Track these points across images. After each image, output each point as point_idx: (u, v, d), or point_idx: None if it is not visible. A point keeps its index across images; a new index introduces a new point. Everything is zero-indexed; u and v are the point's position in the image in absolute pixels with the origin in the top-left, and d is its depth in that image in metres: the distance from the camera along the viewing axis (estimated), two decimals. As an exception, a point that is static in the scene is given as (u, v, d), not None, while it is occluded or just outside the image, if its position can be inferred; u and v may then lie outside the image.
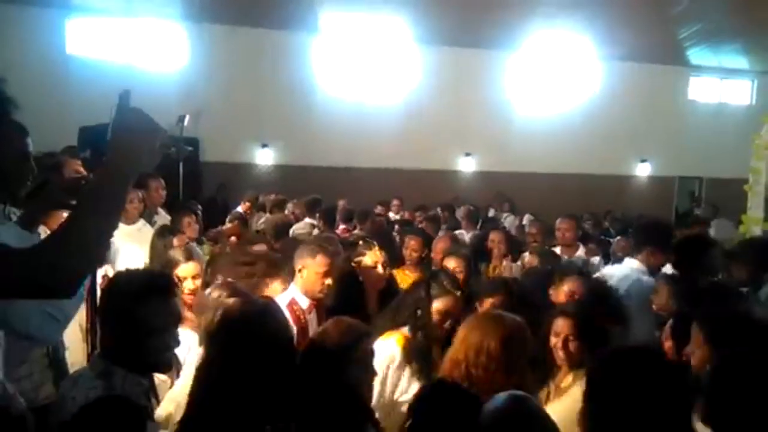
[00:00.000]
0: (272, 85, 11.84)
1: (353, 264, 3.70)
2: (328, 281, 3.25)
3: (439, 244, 4.92)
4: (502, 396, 1.81)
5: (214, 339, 1.93)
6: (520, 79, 13.93)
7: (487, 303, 3.08)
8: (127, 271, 1.99)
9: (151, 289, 1.89)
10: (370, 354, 2.18)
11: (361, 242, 3.99)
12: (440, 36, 12.48)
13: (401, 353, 2.68)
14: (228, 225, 6.64)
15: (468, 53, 12.96)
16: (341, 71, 12.75)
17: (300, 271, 3.26)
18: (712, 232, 10.05)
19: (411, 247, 4.67)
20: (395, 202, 9.85)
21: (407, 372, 2.70)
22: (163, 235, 4.11)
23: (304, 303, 3.23)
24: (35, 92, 9.99)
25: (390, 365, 2.66)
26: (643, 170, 15.26)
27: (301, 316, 3.18)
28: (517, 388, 1.93)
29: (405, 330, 2.77)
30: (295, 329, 3.02)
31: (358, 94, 12.71)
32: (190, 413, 1.84)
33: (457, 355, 2.30)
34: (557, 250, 5.27)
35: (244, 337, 1.87)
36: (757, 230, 6.93)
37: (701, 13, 11.13)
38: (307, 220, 6.94)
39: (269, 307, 2.06)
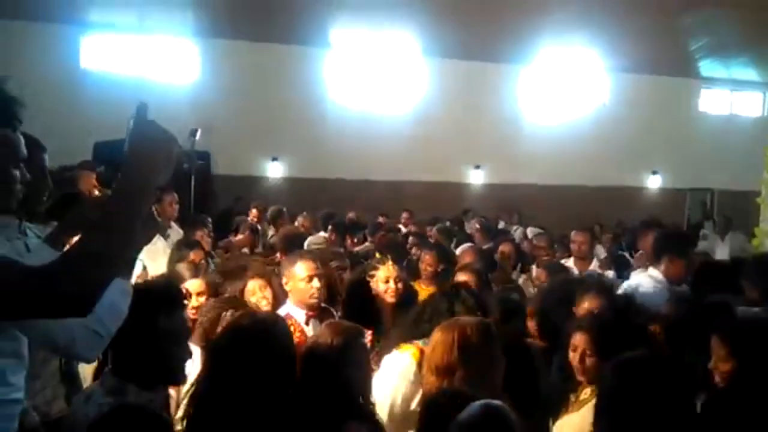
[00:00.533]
0: (283, 99, 11.92)
1: (368, 278, 3.69)
2: (316, 284, 3.24)
3: (465, 257, 4.90)
4: (476, 404, 1.80)
5: (218, 352, 1.94)
6: (529, 92, 13.95)
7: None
8: (145, 282, 2.01)
9: (173, 300, 1.93)
10: (365, 352, 2.18)
11: (376, 256, 4.00)
12: (449, 50, 12.54)
13: (416, 367, 2.62)
14: (239, 236, 6.67)
15: (477, 67, 13.00)
16: (351, 86, 12.83)
17: (286, 283, 3.28)
18: (725, 245, 10.00)
19: (426, 261, 4.66)
20: (405, 214, 9.85)
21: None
22: (180, 249, 4.15)
23: (300, 316, 3.24)
24: (51, 107, 10.11)
25: (404, 378, 2.61)
26: (653, 182, 15.18)
27: (297, 330, 3.16)
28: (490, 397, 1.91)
29: (420, 343, 2.71)
30: None
31: (368, 108, 12.78)
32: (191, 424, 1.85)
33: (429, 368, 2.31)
34: (570, 262, 5.27)
35: (249, 351, 1.88)
36: (769, 243, 6.88)
37: (711, 25, 11.12)
38: (322, 233, 6.95)
39: (275, 322, 2.08)
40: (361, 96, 12.87)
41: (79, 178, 2.81)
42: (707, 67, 14.16)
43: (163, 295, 1.90)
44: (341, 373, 2.04)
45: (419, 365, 2.61)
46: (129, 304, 1.67)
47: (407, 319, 2.96)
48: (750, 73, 14.88)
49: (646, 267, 4.19)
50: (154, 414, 1.62)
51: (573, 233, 5.40)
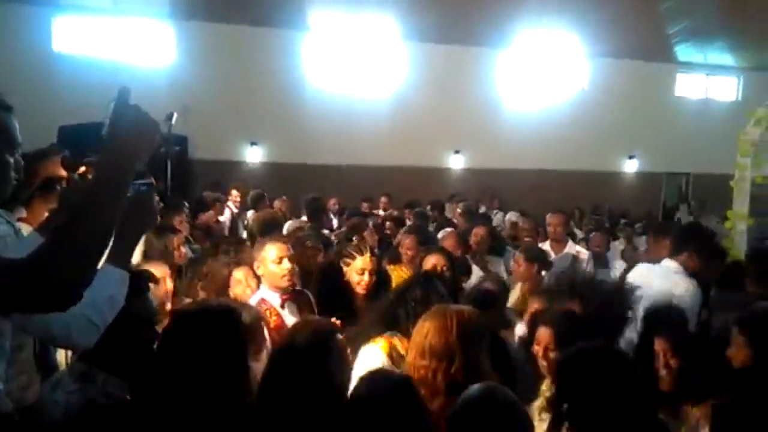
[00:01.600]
0: (261, 82, 11.80)
1: (342, 264, 3.68)
2: (286, 265, 3.23)
3: (447, 242, 4.92)
4: (476, 386, 1.84)
5: (165, 340, 1.92)
6: (508, 76, 13.96)
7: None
8: None
9: (139, 284, 1.93)
10: (343, 349, 2.16)
11: (353, 244, 3.99)
12: (429, 33, 12.48)
13: (387, 361, 2.59)
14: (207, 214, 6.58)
15: (457, 51, 12.97)
16: (331, 69, 12.72)
17: (258, 268, 3.28)
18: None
19: (406, 245, 4.66)
20: (383, 199, 9.85)
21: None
22: (161, 234, 4.10)
23: (275, 299, 3.24)
24: (22, 90, 9.84)
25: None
26: (630, 166, 15.36)
27: (272, 314, 3.17)
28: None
29: (389, 334, 2.70)
30: (265, 328, 2.97)
31: (347, 92, 12.69)
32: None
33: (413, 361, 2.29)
34: (547, 245, 5.33)
35: (192, 341, 1.85)
36: (742, 226, 6.99)
37: (688, 10, 11.22)
38: (303, 218, 6.92)
39: (223, 312, 2.03)
40: (341, 80, 12.77)
41: (46, 164, 2.73)
42: (684, 51, 14.29)
43: (131, 279, 1.90)
44: (324, 370, 2.01)
45: (390, 357, 2.59)
46: (126, 293, 1.65)
47: (378, 309, 2.91)
48: (726, 58, 15.05)
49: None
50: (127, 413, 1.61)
51: (548, 216, 5.48)
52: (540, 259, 4.70)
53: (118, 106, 1.40)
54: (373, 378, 2.00)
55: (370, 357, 2.58)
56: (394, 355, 2.61)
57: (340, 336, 2.19)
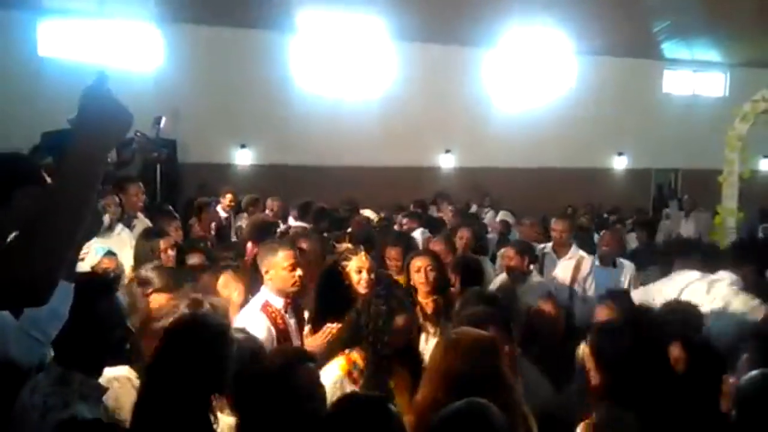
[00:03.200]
0: (250, 85, 11.75)
1: (339, 267, 3.67)
2: (298, 273, 3.25)
3: (436, 247, 4.89)
4: (460, 401, 1.83)
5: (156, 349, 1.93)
6: (497, 75, 13.99)
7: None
8: (78, 273, 1.99)
9: (108, 284, 2.02)
10: (313, 376, 2.16)
11: (347, 246, 3.99)
12: (417, 33, 12.49)
13: (345, 379, 2.63)
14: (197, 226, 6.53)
15: (445, 50, 12.98)
16: (319, 70, 12.69)
17: (267, 272, 3.25)
18: (689, 224, 10.24)
19: (392, 257, 4.66)
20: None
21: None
22: (148, 237, 4.07)
23: (279, 303, 3.23)
24: (7, 95, 9.84)
25: (335, 389, 2.58)
26: (619, 163, 15.43)
27: (278, 318, 3.18)
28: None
29: (348, 351, 2.74)
30: (273, 331, 3.01)
31: (336, 93, 12.67)
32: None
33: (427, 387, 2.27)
34: (549, 247, 5.37)
35: (181, 349, 1.88)
36: (731, 221, 7.04)
37: (674, 6, 11.28)
38: (299, 223, 6.91)
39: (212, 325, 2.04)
40: (330, 82, 12.75)
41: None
42: (671, 48, 14.37)
43: (98, 281, 1.99)
44: (287, 398, 2.02)
45: (349, 374, 2.63)
46: (70, 305, 1.63)
47: (347, 327, 2.93)
48: (712, 54, 15.15)
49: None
50: (107, 426, 1.59)
51: (553, 221, 5.53)
52: (530, 252, 4.77)
53: (90, 91, 1.33)
54: (347, 399, 1.99)
55: (327, 376, 2.59)
56: (354, 373, 2.65)
57: (311, 364, 2.20)
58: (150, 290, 3.05)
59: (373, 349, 2.71)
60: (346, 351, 2.74)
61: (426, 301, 3.62)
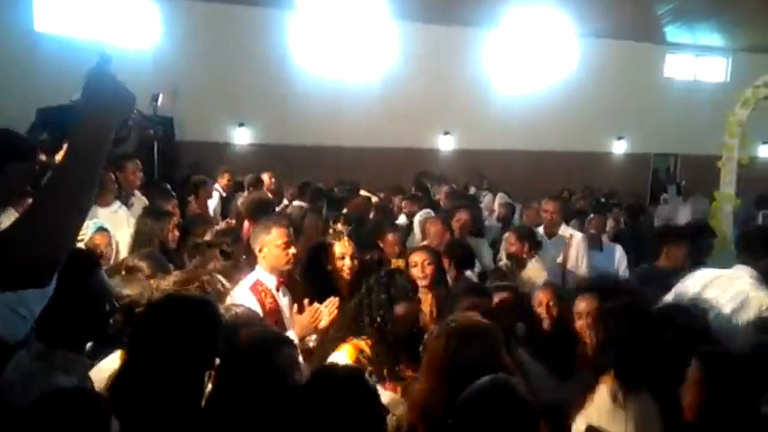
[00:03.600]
0: (248, 62, 11.65)
1: (327, 248, 3.70)
2: (292, 251, 3.25)
3: (432, 227, 4.93)
4: (485, 378, 1.84)
5: (140, 330, 1.93)
6: (498, 56, 13.88)
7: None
8: None
9: (94, 260, 2.01)
10: (292, 357, 2.16)
11: (331, 231, 4.02)
12: (418, 13, 12.38)
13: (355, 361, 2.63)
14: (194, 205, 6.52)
15: (446, 31, 12.87)
16: (319, 49, 12.58)
17: (261, 251, 3.24)
18: (687, 208, 10.24)
19: (389, 243, 4.69)
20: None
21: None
22: (157, 217, 4.05)
23: (271, 282, 3.23)
24: (2, 70, 9.72)
25: None
26: (619, 147, 15.39)
27: (267, 296, 3.17)
28: None
29: (356, 340, 2.73)
30: (260, 310, 2.99)
31: (336, 72, 12.58)
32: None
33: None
34: (540, 229, 5.36)
35: (170, 333, 1.86)
36: (728, 207, 7.04)
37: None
38: (297, 202, 6.91)
39: (198, 304, 2.03)
40: (330, 61, 12.64)
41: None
42: (673, 32, 14.28)
43: (84, 257, 1.96)
44: (265, 377, 2.02)
45: (357, 362, 2.62)
46: (54, 282, 1.62)
47: (346, 316, 2.92)
48: (714, 38, 15.05)
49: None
50: (91, 396, 1.58)
51: (544, 202, 5.48)
52: (530, 238, 4.79)
53: (94, 72, 1.35)
54: (324, 369, 2.00)
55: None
56: (361, 359, 2.65)
57: (290, 347, 2.20)
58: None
59: (377, 337, 2.72)
60: (353, 339, 2.73)
61: (425, 298, 3.57)
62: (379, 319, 2.73)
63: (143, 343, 1.86)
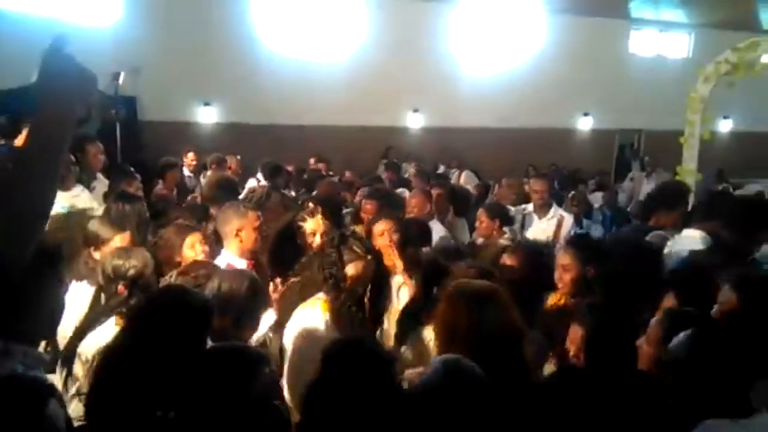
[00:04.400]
0: (213, 40, 11.40)
1: (296, 226, 3.71)
2: (260, 233, 3.32)
3: (414, 200, 4.92)
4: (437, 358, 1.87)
5: (135, 321, 1.93)
6: (465, 33, 13.84)
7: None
8: None
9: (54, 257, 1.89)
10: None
11: (305, 207, 4.01)
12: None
13: (329, 317, 2.72)
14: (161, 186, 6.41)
15: (413, 7, 12.79)
16: (284, 26, 12.36)
17: (239, 233, 3.23)
18: (650, 184, 10.44)
19: (367, 210, 4.67)
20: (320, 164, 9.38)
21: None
22: (131, 200, 3.98)
23: (242, 265, 3.21)
24: (-46, 50, 9.34)
25: (322, 329, 2.69)
26: (585, 124, 15.57)
27: None
28: None
29: (321, 294, 2.80)
30: None
31: (302, 50, 12.39)
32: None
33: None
34: (530, 207, 5.39)
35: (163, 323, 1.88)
36: (690, 181, 7.18)
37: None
38: (264, 183, 6.84)
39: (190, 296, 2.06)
40: (296, 38, 12.43)
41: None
42: (637, 7, 14.43)
43: (57, 248, 1.86)
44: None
45: (332, 314, 2.72)
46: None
47: (305, 273, 2.99)
48: (678, 14, 15.24)
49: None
50: (25, 382, 1.56)
51: (532, 182, 5.52)
52: (501, 216, 4.81)
53: (49, 54, 1.28)
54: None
55: (310, 317, 2.71)
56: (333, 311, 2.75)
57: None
58: (99, 244, 3.10)
59: (332, 297, 2.78)
60: (319, 294, 2.80)
61: (393, 261, 3.60)
62: (330, 277, 2.79)
63: (139, 331, 1.87)
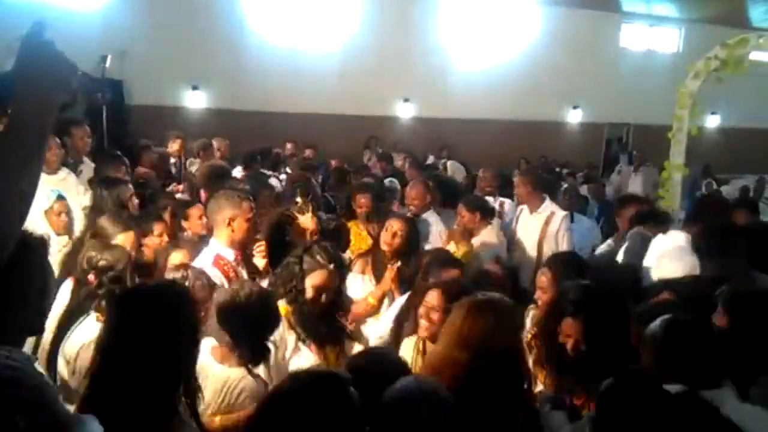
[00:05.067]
0: (202, 23, 11.25)
1: (288, 219, 3.70)
2: (250, 225, 3.28)
3: (413, 191, 4.91)
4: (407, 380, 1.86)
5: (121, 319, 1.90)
6: (456, 24, 13.78)
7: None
8: None
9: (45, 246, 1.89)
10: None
11: (299, 202, 4.00)
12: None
13: (284, 320, 2.71)
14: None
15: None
16: (275, 11, 12.24)
17: (231, 223, 3.16)
18: (638, 178, 10.50)
19: (361, 204, 4.66)
20: (288, 145, 9.27)
21: (293, 336, 2.76)
22: (110, 185, 3.93)
23: (231, 255, 3.17)
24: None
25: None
26: (574, 117, 15.60)
27: (230, 270, 3.12)
28: None
29: (282, 302, 2.81)
30: (227, 286, 2.98)
31: (293, 36, 12.28)
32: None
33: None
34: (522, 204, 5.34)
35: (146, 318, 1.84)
36: (678, 177, 7.22)
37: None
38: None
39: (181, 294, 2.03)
40: (286, 24, 12.31)
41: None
42: (628, 1, 14.42)
43: (39, 241, 1.86)
44: None
45: (287, 318, 2.73)
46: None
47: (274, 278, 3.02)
48: (669, 8, 15.27)
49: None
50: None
51: (517, 177, 5.45)
52: (481, 208, 4.79)
53: (27, 42, 1.25)
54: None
55: None
56: (288, 317, 2.75)
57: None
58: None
59: (294, 307, 2.79)
60: (281, 302, 2.79)
61: (390, 264, 3.54)
62: (290, 291, 2.81)
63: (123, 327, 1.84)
